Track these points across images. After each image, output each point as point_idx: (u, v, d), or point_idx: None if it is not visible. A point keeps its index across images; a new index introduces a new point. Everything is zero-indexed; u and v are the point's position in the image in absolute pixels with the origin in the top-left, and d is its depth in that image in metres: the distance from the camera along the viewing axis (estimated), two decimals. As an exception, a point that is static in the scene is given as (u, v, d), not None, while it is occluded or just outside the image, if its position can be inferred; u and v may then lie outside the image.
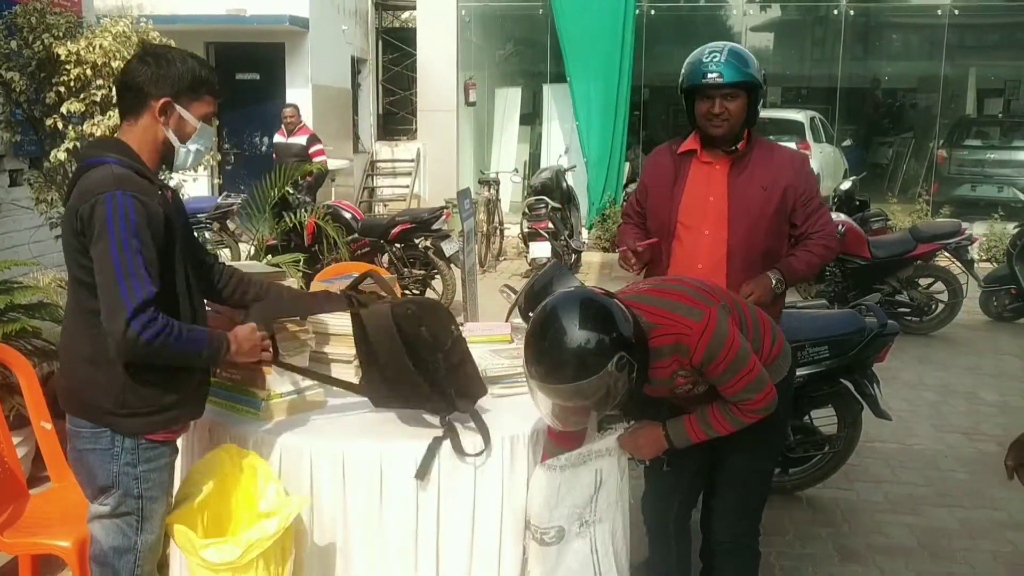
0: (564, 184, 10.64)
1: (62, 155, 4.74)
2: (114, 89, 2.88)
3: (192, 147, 2.39)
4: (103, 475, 2.31)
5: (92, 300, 2.20)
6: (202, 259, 2.58)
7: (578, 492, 2.53)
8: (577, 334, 2.23)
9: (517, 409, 2.70)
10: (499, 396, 2.85)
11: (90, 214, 2.14)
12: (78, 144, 4.79)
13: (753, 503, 2.82)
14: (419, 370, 2.48)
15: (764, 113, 15.17)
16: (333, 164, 10.36)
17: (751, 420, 2.48)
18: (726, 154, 3.08)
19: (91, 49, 4.68)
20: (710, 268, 3.05)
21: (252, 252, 6.57)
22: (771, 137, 13.68)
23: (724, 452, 2.68)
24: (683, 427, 2.55)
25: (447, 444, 2.46)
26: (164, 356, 2.19)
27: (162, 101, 2.30)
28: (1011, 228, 9.44)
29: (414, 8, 14.26)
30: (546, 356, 2.27)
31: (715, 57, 2.96)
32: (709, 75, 2.95)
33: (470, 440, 2.49)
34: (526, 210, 9.77)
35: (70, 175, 5.00)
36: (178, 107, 2.32)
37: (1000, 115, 15.74)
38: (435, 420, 2.54)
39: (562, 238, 9.56)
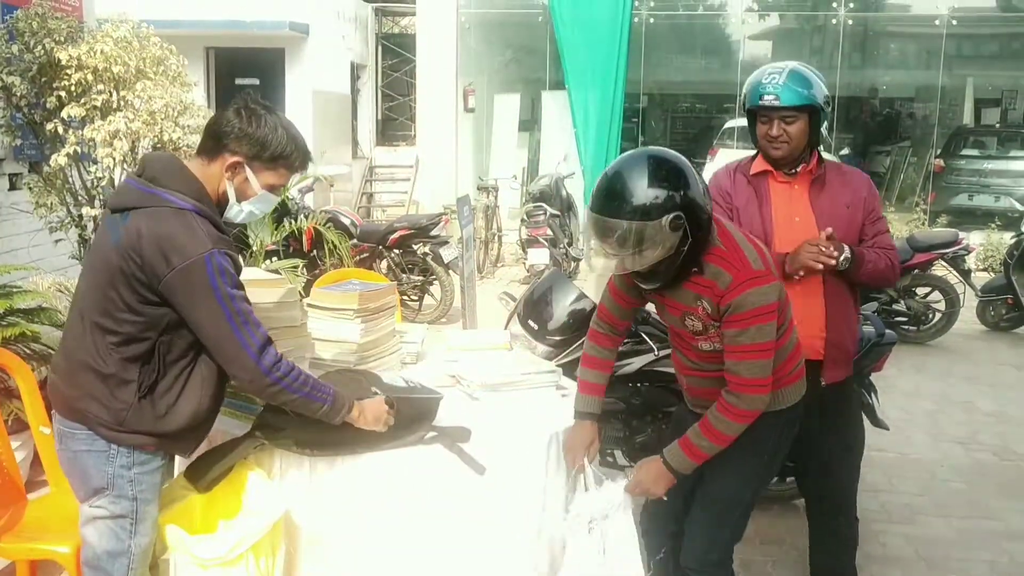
0: (563, 191, 10.65)
1: (62, 160, 4.74)
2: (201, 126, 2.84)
3: (246, 208, 2.39)
4: (98, 476, 2.33)
5: (123, 324, 2.24)
6: None
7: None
8: (646, 179, 2.31)
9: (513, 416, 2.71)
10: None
11: (186, 279, 2.17)
12: (78, 149, 4.79)
13: (725, 534, 2.72)
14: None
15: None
16: (332, 170, 10.36)
17: (743, 420, 2.43)
18: (806, 173, 3.03)
19: (92, 54, 4.68)
20: (807, 288, 2.97)
21: (251, 257, 6.58)
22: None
23: (706, 476, 2.62)
24: (679, 449, 2.51)
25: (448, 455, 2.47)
26: (289, 397, 2.29)
27: (233, 159, 2.31)
28: (1008, 238, 9.48)
29: (414, 14, 14.29)
30: (612, 188, 2.34)
31: (774, 79, 2.91)
32: (766, 97, 2.90)
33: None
34: (524, 217, 9.78)
35: (70, 179, 5.03)
36: (247, 169, 2.33)
37: (997, 125, 15.77)
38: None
39: (561, 246, 9.58)
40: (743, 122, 14.92)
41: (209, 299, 2.18)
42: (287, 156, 2.36)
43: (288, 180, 2.43)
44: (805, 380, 2.68)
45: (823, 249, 2.85)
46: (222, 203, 2.36)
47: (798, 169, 3.01)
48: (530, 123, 14.64)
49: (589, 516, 2.48)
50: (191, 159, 2.39)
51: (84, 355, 2.30)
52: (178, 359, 2.32)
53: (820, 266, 2.86)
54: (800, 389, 2.65)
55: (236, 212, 2.38)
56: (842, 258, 2.89)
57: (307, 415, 2.35)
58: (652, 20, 13.13)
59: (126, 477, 2.33)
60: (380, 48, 16.97)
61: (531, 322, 4.01)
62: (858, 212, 3.02)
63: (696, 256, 2.39)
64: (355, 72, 15.71)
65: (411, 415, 2.53)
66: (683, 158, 2.42)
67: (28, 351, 4.28)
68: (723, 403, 2.45)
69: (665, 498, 2.59)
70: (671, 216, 2.27)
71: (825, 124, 2.99)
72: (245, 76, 13.77)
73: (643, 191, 2.29)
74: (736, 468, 2.58)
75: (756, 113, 2.98)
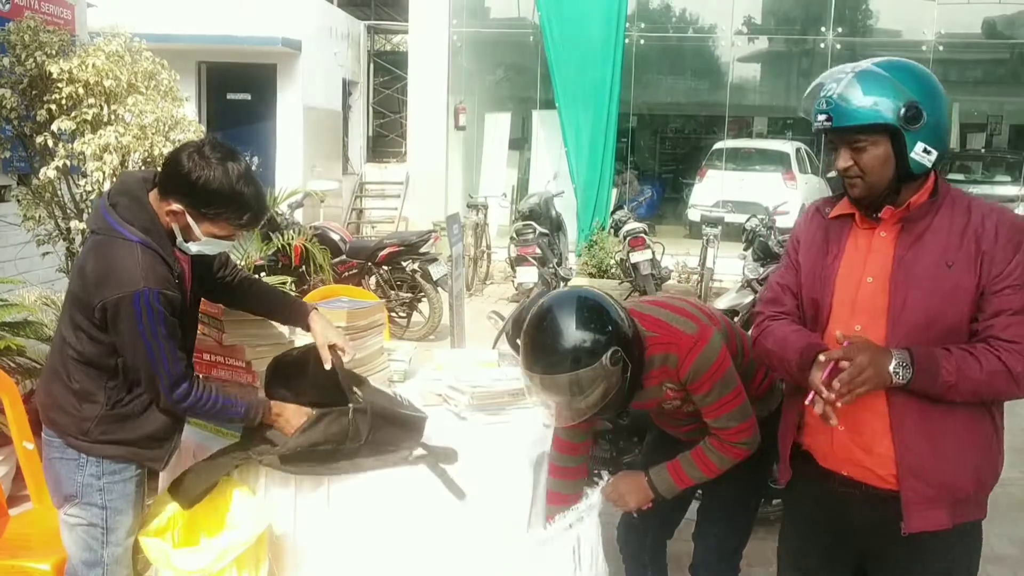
0: (553, 211, 10.69)
1: (52, 173, 4.73)
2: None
3: (193, 247, 2.39)
4: (68, 484, 2.39)
5: (84, 344, 2.32)
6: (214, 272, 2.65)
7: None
8: (573, 327, 2.25)
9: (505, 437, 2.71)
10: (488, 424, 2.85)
11: (115, 310, 2.24)
12: (68, 162, 4.78)
13: (733, 541, 2.78)
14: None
15: (750, 144, 15.47)
16: (322, 185, 10.36)
17: (736, 456, 2.46)
18: (894, 216, 2.10)
19: (84, 67, 4.68)
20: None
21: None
22: (756, 168, 14.01)
23: (710, 484, 2.64)
24: (666, 473, 2.51)
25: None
26: (199, 416, 2.47)
27: (172, 207, 2.30)
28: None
29: (406, 32, 14.35)
30: (542, 348, 2.29)
31: (831, 89, 2.05)
32: (819, 116, 2.07)
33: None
34: (514, 235, 9.80)
35: (59, 193, 5.01)
36: (188, 217, 2.31)
37: (983, 150, 15.95)
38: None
39: (551, 265, 9.59)
40: (733, 143, 15.13)
41: (132, 332, 2.24)
42: (224, 214, 2.31)
43: (234, 233, 2.38)
44: (777, 390, 2.64)
45: (832, 375, 1.99)
46: (172, 237, 2.38)
47: (892, 204, 2.09)
48: (520, 142, 14.70)
49: (569, 520, 2.48)
50: (153, 189, 2.38)
51: (57, 367, 2.39)
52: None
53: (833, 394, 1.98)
54: (776, 392, 2.63)
55: (186, 247, 2.39)
56: (892, 368, 1.97)
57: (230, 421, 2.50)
58: (642, 41, 13.23)
59: (95, 486, 2.38)
60: (372, 65, 17.03)
61: (519, 341, 4.01)
62: (967, 275, 2.02)
63: (638, 373, 2.36)
64: (347, 89, 15.75)
65: (396, 430, 2.53)
66: (597, 292, 2.39)
67: (13, 365, 4.25)
68: (720, 441, 2.46)
69: (635, 514, 2.61)
70: (609, 353, 2.23)
71: (916, 145, 2.01)
72: (237, 91, 13.78)
73: (575, 339, 2.24)
74: (740, 476, 2.56)
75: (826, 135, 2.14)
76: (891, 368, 1.96)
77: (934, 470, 2.05)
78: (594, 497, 2.52)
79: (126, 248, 2.26)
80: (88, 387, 2.34)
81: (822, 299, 2.16)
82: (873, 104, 1.99)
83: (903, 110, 1.98)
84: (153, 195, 2.35)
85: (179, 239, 2.36)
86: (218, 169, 2.26)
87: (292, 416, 2.49)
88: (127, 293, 2.21)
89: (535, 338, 2.31)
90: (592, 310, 2.31)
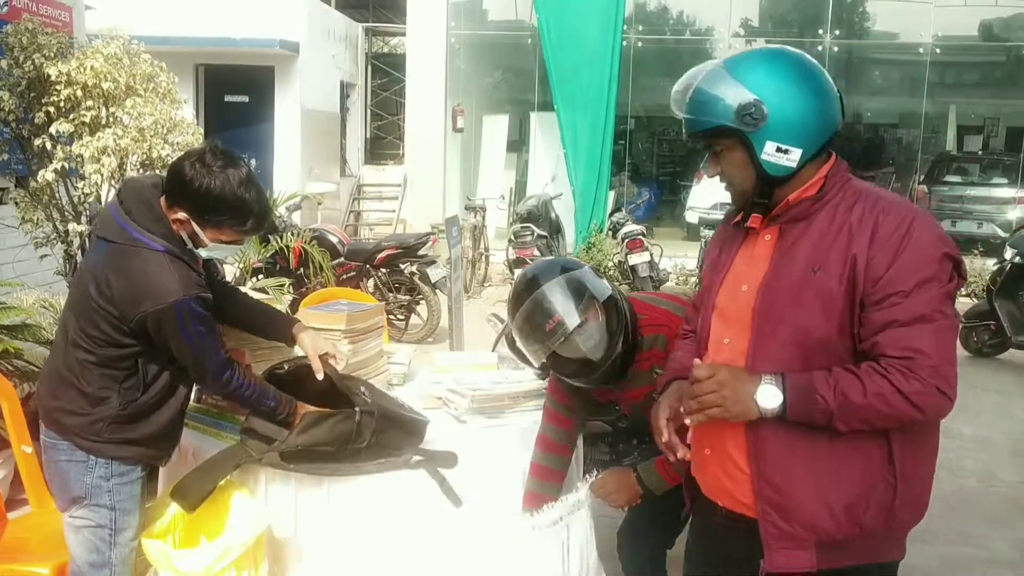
0: (552, 213, 10.68)
1: (50, 175, 4.72)
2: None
3: (203, 253, 2.44)
4: (77, 486, 2.39)
5: (104, 349, 2.33)
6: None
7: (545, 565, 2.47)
8: (565, 292, 2.33)
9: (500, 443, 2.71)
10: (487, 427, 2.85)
11: (157, 323, 2.28)
12: (66, 165, 4.77)
13: (665, 539, 2.79)
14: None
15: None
16: (320, 187, 10.36)
17: None
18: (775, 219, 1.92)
19: (82, 70, 4.67)
20: None
21: (237, 275, 6.55)
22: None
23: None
24: (654, 469, 2.49)
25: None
26: (240, 401, 2.49)
27: (178, 215, 2.34)
28: (991, 264, 9.55)
29: (404, 35, 14.35)
30: (543, 318, 2.33)
31: (678, 96, 1.93)
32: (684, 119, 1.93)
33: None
34: (512, 237, 9.80)
35: (57, 195, 5.00)
36: (193, 224, 2.36)
37: (979, 152, 15.97)
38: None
39: (549, 267, 9.57)
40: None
41: (178, 338, 2.32)
42: (227, 221, 2.36)
43: (240, 237, 2.44)
44: None
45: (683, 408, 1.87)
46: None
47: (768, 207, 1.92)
48: (518, 144, 14.70)
49: (558, 514, 2.47)
50: (162, 196, 2.40)
51: (65, 371, 2.38)
52: (158, 376, 2.40)
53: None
54: None
55: (197, 252, 2.43)
56: (756, 404, 1.76)
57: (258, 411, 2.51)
58: (640, 44, 13.25)
59: (104, 487, 2.39)
60: (370, 67, 17.02)
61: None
62: (834, 282, 1.77)
63: (630, 345, 2.40)
64: (344, 91, 15.74)
65: (399, 433, 2.53)
66: (583, 266, 2.45)
67: (10, 368, 4.24)
68: None
69: (624, 510, 2.59)
70: (603, 316, 2.33)
71: (767, 145, 1.81)
72: (235, 94, 13.78)
73: (570, 306, 2.31)
74: None
75: None
76: (756, 396, 1.75)
77: (793, 507, 1.80)
78: (582, 493, 2.51)
79: (154, 259, 2.29)
80: (103, 389, 2.35)
81: (704, 313, 2.02)
82: (712, 107, 1.83)
83: (738, 110, 1.79)
84: (162, 201, 2.38)
85: (188, 245, 2.39)
86: (220, 177, 2.28)
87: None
88: (168, 304, 2.26)
89: (528, 316, 2.35)
90: (578, 281, 2.36)
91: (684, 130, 1.90)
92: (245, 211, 2.34)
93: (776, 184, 1.85)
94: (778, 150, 1.80)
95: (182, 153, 2.50)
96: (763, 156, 1.81)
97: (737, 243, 1.98)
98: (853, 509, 1.78)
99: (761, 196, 1.87)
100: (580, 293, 2.34)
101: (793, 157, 1.81)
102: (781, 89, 1.80)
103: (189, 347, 2.33)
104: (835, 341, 1.77)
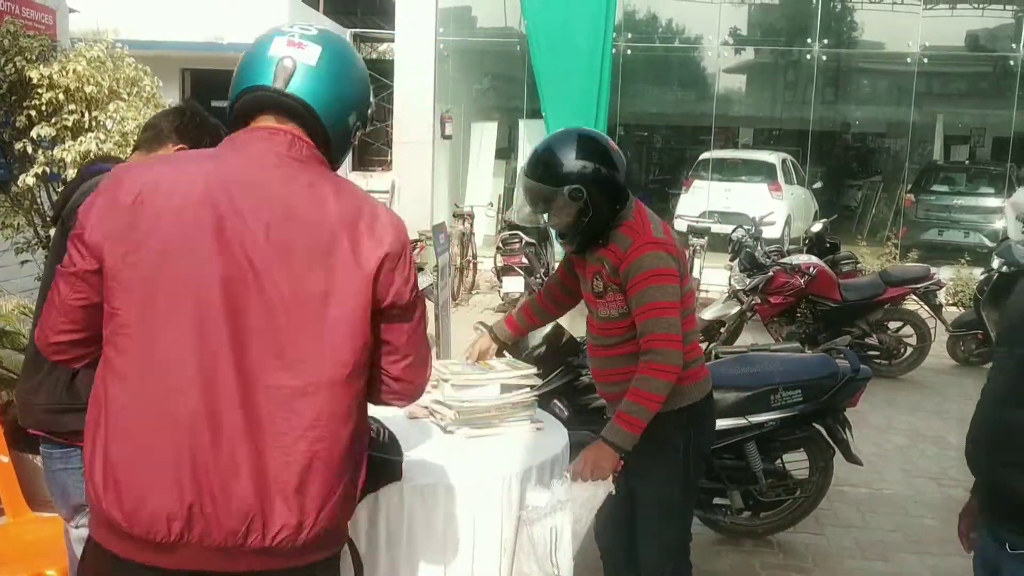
0: (542, 221, 10.63)
1: (31, 180, 4.66)
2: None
3: None
4: (76, 494, 2.35)
5: None
6: None
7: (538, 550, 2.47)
8: (565, 148, 2.62)
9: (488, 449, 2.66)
10: (472, 437, 2.81)
11: None
12: (47, 169, 4.72)
13: (671, 538, 2.83)
14: None
15: (736, 154, 15.52)
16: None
17: (667, 376, 2.54)
18: None
19: (64, 73, 4.63)
20: None
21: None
22: (742, 179, 14.06)
23: (633, 483, 2.73)
24: (616, 425, 2.58)
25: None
26: None
27: (179, 147, 2.42)
28: (977, 273, 9.59)
29: (392, 41, 14.32)
30: (537, 152, 2.68)
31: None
32: None
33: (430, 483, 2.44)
34: (500, 244, 9.77)
35: (38, 200, 4.94)
36: None
37: (967, 162, 16.06)
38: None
39: (538, 275, 9.55)
40: (719, 154, 15.19)
41: None
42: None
43: None
44: (705, 383, 2.79)
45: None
46: None
47: None
48: (507, 151, 14.69)
49: (542, 511, 2.47)
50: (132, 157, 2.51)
51: (62, 375, 2.34)
52: None
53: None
54: (702, 388, 2.77)
55: None
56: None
57: None
58: (629, 52, 13.26)
59: None
60: (358, 73, 16.99)
61: (506, 352, 3.98)
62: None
63: (600, 226, 2.63)
64: (332, 96, 15.69)
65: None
66: (610, 141, 2.72)
67: (-11, 375, 4.18)
68: (643, 364, 2.57)
69: (614, 491, 2.59)
70: (571, 187, 2.57)
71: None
72: (221, 99, 13.65)
73: (556, 160, 2.61)
74: (655, 472, 2.71)
75: None
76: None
77: None
78: (562, 493, 2.49)
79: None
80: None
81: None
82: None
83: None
84: (137, 157, 2.48)
85: None
86: (209, 120, 2.52)
87: None
88: None
89: (541, 145, 2.70)
90: (590, 149, 2.64)
91: None
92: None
93: None
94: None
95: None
96: None
97: None
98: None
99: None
100: (589, 156, 2.61)
101: None
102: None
103: None
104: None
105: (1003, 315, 2.26)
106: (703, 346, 6.95)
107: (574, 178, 2.58)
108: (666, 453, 2.70)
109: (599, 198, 2.60)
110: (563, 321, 3.52)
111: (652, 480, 2.72)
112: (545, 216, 2.74)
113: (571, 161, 2.59)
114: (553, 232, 10.94)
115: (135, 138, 4.72)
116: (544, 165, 2.62)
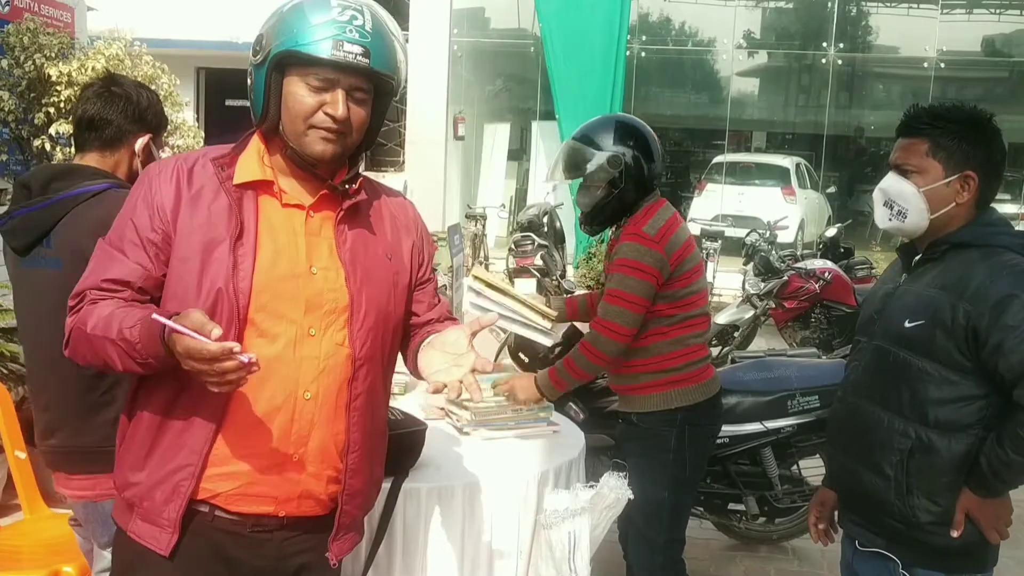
0: (557, 223, 10.62)
1: (48, 176, 4.68)
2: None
3: None
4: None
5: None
6: None
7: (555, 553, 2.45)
8: (614, 125, 2.85)
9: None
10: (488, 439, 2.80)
11: None
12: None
13: (659, 536, 2.86)
14: None
15: (750, 158, 15.48)
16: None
17: (596, 361, 2.72)
18: None
19: (83, 71, 4.65)
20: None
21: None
22: (756, 182, 14.02)
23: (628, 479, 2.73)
24: (546, 375, 2.79)
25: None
26: None
27: (146, 138, 2.34)
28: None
29: (407, 41, 14.33)
30: (586, 123, 2.91)
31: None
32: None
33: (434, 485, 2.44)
34: (512, 246, 9.76)
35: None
36: (153, 146, 2.37)
37: (981, 167, 15.94)
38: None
39: (554, 277, 9.53)
40: (732, 157, 15.10)
41: None
42: (166, 119, 2.48)
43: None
44: (706, 387, 2.82)
45: None
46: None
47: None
48: (519, 152, 14.68)
49: (561, 515, 2.44)
50: (81, 158, 2.34)
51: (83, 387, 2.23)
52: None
53: None
54: (704, 390, 2.81)
55: None
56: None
57: None
58: (643, 54, 13.24)
59: None
60: (372, 74, 17.02)
61: (521, 355, 3.97)
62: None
63: (621, 210, 2.80)
64: (346, 97, 15.73)
65: (394, 455, 2.44)
66: (655, 137, 2.89)
67: (5, 371, 4.19)
68: (583, 341, 2.76)
69: (632, 497, 2.49)
70: (611, 154, 2.76)
71: None
72: (236, 97, 13.73)
73: (604, 131, 2.83)
74: (644, 471, 2.77)
75: None
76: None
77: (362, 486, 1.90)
78: (584, 500, 2.45)
79: (107, 197, 2.21)
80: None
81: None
82: None
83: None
84: (92, 158, 2.32)
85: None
86: (141, 91, 2.38)
87: None
88: None
89: (595, 120, 2.91)
90: (632, 131, 2.85)
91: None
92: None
93: None
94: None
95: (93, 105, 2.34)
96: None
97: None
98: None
99: None
100: (633, 138, 2.83)
101: None
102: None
103: None
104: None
105: (864, 305, 2.36)
106: (716, 351, 6.95)
107: (616, 148, 2.78)
108: (656, 452, 2.79)
109: (630, 177, 2.77)
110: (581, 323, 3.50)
111: (641, 478, 2.72)
112: (574, 188, 2.95)
113: (617, 135, 2.81)
114: (565, 232, 10.88)
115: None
116: (592, 130, 2.85)
